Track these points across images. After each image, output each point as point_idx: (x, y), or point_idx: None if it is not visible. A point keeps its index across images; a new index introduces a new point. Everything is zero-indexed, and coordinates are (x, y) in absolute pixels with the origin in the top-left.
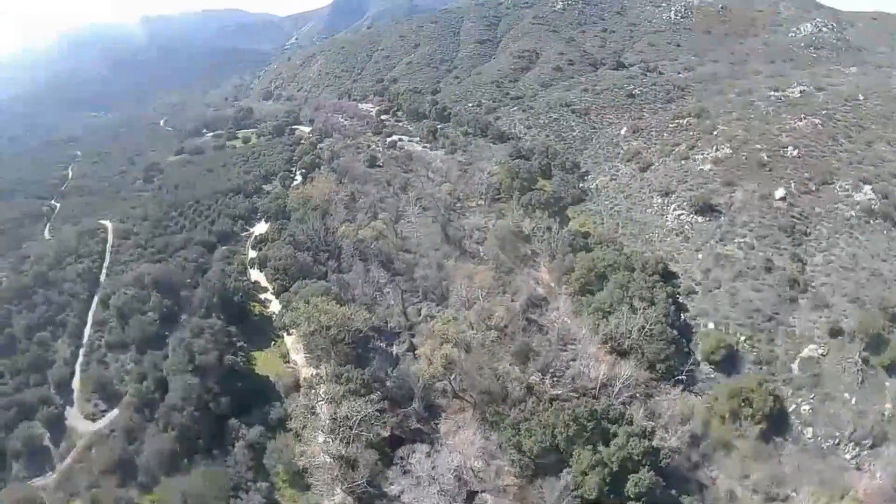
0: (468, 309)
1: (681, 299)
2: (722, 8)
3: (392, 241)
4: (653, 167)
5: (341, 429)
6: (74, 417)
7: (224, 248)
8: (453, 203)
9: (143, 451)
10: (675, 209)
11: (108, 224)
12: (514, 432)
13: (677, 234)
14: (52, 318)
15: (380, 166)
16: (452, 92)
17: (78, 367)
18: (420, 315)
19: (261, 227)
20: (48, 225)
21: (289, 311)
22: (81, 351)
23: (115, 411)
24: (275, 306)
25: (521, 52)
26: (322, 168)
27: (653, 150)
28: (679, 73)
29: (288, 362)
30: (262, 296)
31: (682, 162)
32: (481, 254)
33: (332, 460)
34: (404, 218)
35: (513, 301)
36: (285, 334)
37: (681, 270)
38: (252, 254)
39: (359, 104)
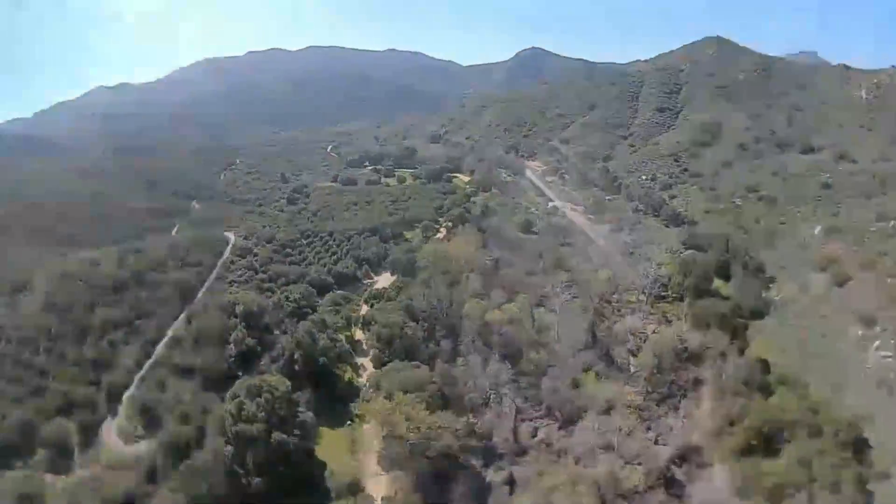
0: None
1: (871, 485)
2: None
3: (525, 331)
4: (851, 282)
5: None
6: (109, 432)
7: (338, 292)
8: (609, 294)
9: None
10: (877, 347)
11: (231, 237)
12: None
13: (879, 385)
14: (133, 320)
15: (534, 233)
16: (626, 161)
17: (136, 380)
18: (535, 438)
19: (385, 279)
20: (178, 224)
21: (367, 402)
22: (147, 363)
23: (146, 444)
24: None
25: (701, 124)
26: (469, 224)
27: (852, 259)
28: (876, 162)
29: (356, 454)
30: (361, 360)
31: (890, 280)
32: (631, 368)
33: None
34: (548, 303)
35: (657, 442)
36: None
37: (876, 442)
38: (364, 309)
39: (526, 161)
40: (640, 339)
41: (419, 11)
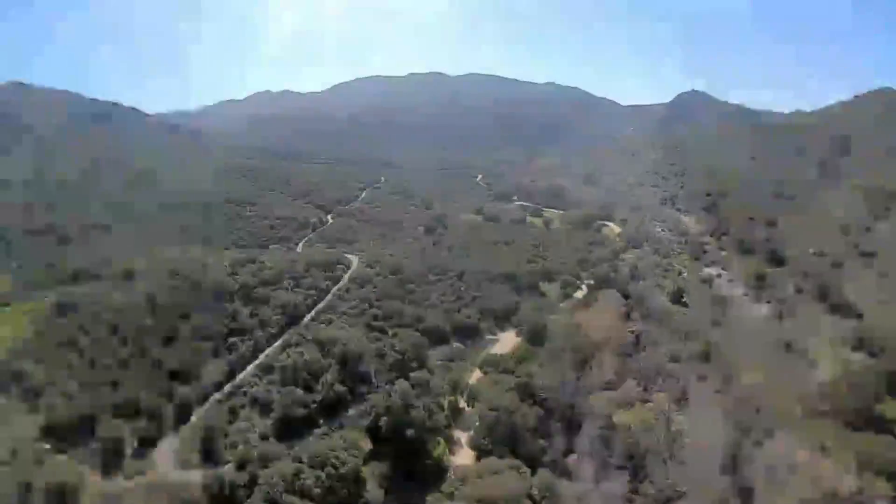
0: None
1: None
2: None
3: (659, 442)
4: None
5: None
6: (165, 451)
7: (454, 346)
8: (759, 399)
9: None
10: None
11: (355, 261)
12: None
13: None
14: (228, 335)
15: (684, 304)
16: (790, 227)
17: (211, 401)
18: None
19: (508, 339)
20: (308, 236)
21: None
22: (228, 386)
23: (196, 475)
24: (463, 456)
25: (872, 190)
26: (613, 288)
27: None
28: None
29: None
30: (458, 434)
31: None
32: None
33: None
34: (691, 405)
35: None
36: None
37: None
38: (475, 375)
39: (681, 215)
40: (790, 478)
41: (580, 47)
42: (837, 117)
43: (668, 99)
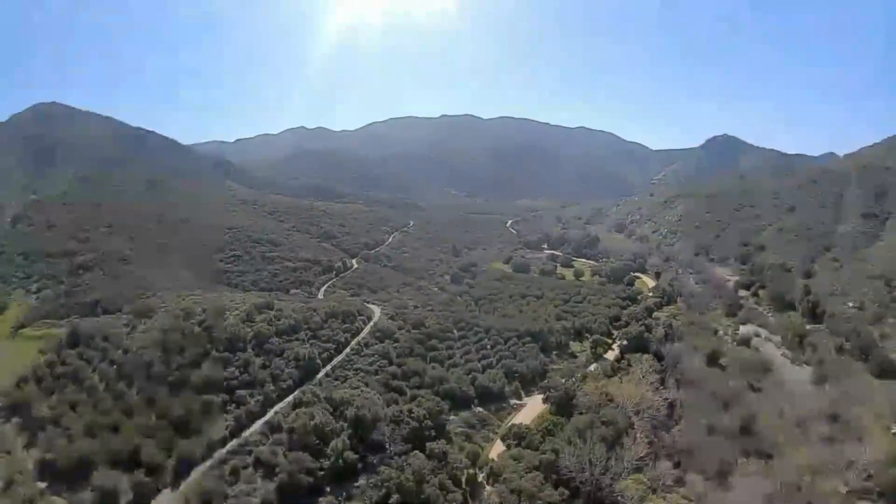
0: None
1: None
2: None
3: None
4: None
5: None
6: None
7: (476, 410)
8: (807, 481)
9: None
10: None
11: (377, 312)
12: None
13: None
14: (238, 387)
15: (721, 367)
16: (829, 279)
17: (213, 459)
18: None
19: (534, 404)
20: (331, 281)
21: None
22: (232, 443)
23: None
24: None
25: None
26: (647, 347)
27: None
28: None
29: None
30: None
31: None
32: None
33: None
34: (730, 486)
35: None
36: None
37: None
38: (497, 446)
39: (716, 267)
40: None
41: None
42: (874, 161)
43: (699, 143)
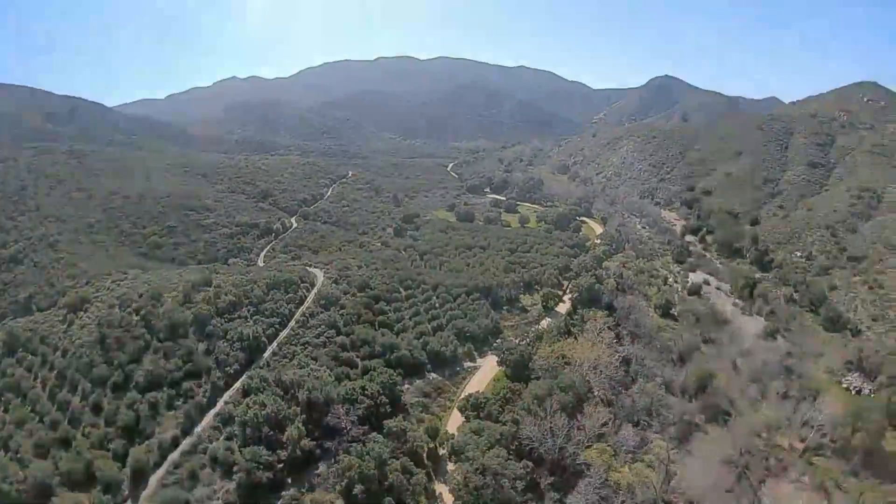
0: None
1: None
2: None
3: (653, 495)
4: None
5: None
6: None
7: (431, 377)
8: (762, 439)
9: None
10: None
11: (320, 276)
12: None
13: None
14: (182, 378)
15: (674, 318)
16: (776, 228)
17: (168, 462)
18: None
19: (490, 366)
20: (270, 245)
21: None
22: (185, 442)
23: None
24: None
25: (858, 191)
26: (598, 300)
27: None
28: None
29: None
30: (439, 489)
31: None
32: None
33: None
34: (691, 443)
35: None
36: None
37: None
38: (456, 418)
39: (662, 210)
40: None
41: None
42: (822, 111)
43: (641, 83)
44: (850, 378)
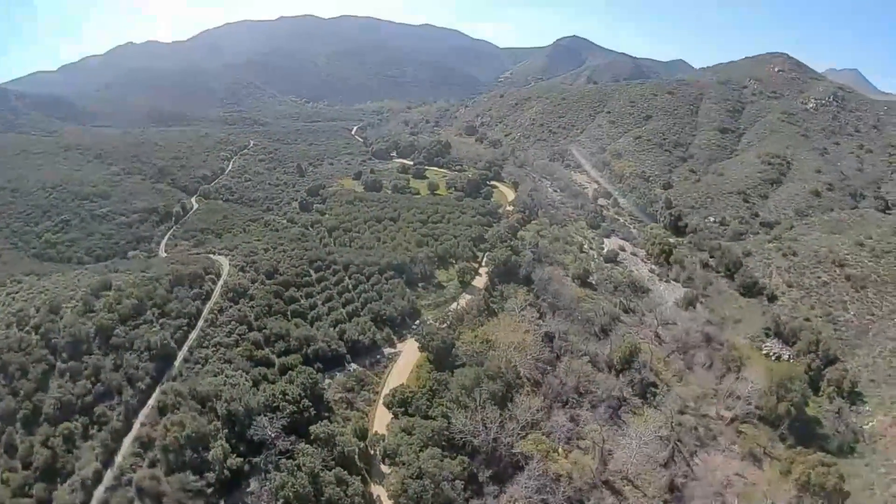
0: None
1: None
2: None
3: (591, 479)
4: None
5: None
6: None
7: (351, 368)
8: (691, 410)
9: None
10: None
11: (225, 265)
12: None
13: None
14: (94, 404)
15: (592, 287)
16: (689, 193)
17: (95, 501)
18: None
19: (409, 353)
20: (170, 232)
21: None
22: (106, 480)
23: None
24: None
25: (769, 157)
26: (515, 272)
27: None
28: None
29: None
30: (377, 491)
31: None
32: None
33: None
34: (622, 419)
35: None
36: None
37: None
38: (383, 414)
39: (573, 173)
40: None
41: None
42: (734, 78)
43: (547, 43)
44: (769, 344)
